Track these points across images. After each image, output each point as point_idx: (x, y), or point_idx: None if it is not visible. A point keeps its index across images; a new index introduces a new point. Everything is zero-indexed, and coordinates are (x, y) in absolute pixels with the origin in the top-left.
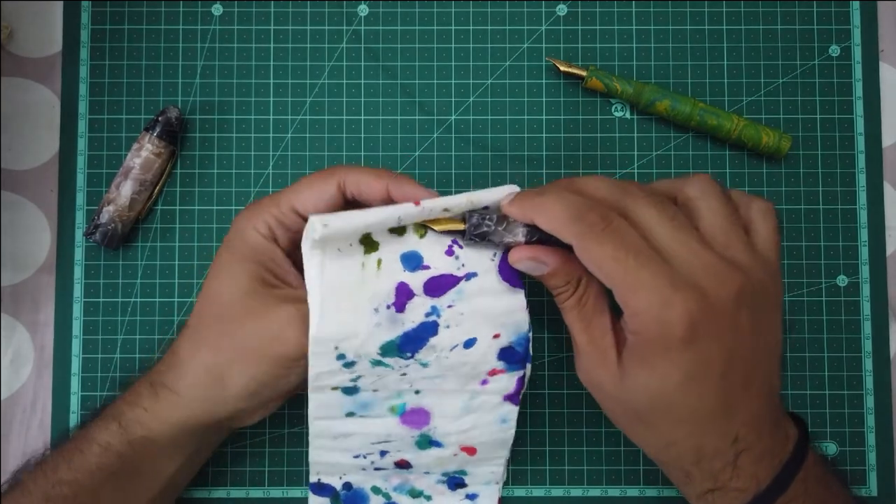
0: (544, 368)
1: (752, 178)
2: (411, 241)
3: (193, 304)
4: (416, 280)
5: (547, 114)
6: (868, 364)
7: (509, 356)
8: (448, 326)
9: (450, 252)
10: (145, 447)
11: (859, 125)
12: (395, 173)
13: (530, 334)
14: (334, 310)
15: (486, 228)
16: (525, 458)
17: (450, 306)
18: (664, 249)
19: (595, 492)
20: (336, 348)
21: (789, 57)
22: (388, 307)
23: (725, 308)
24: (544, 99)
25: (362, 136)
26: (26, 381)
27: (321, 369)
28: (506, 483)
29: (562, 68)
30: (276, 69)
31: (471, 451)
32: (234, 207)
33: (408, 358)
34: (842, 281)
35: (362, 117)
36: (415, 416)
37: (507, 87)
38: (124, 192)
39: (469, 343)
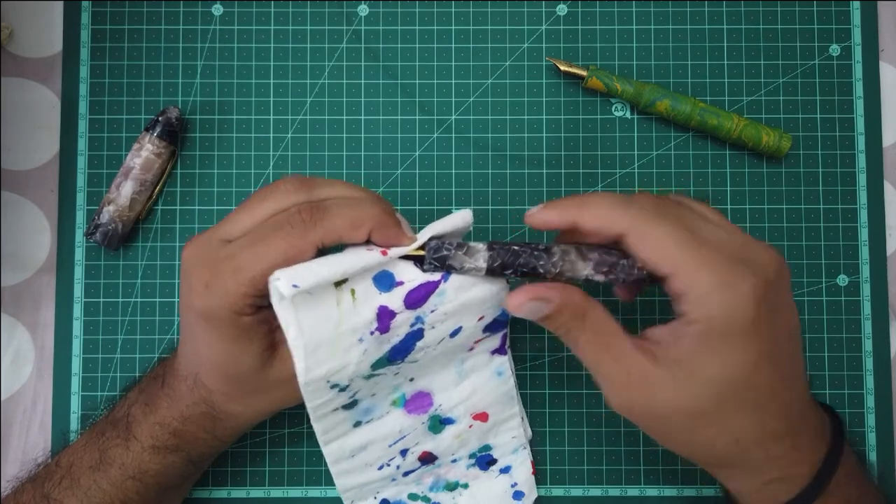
0: (544, 368)
1: (753, 178)
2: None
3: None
4: (395, 298)
5: (547, 114)
6: (868, 364)
7: (493, 327)
8: (433, 327)
9: (417, 264)
10: (206, 459)
11: (859, 125)
12: (378, 210)
13: None
14: (319, 359)
15: (445, 252)
16: None
17: (433, 311)
18: (704, 235)
19: (595, 491)
20: (328, 381)
21: (789, 57)
22: (373, 333)
23: (775, 285)
24: (544, 99)
25: (362, 136)
26: (27, 381)
27: (318, 401)
28: None
29: (562, 68)
30: (276, 69)
31: (482, 416)
32: (234, 208)
33: (398, 363)
34: (842, 280)
35: (362, 117)
36: (417, 401)
37: (507, 87)
38: (124, 192)
39: (455, 333)
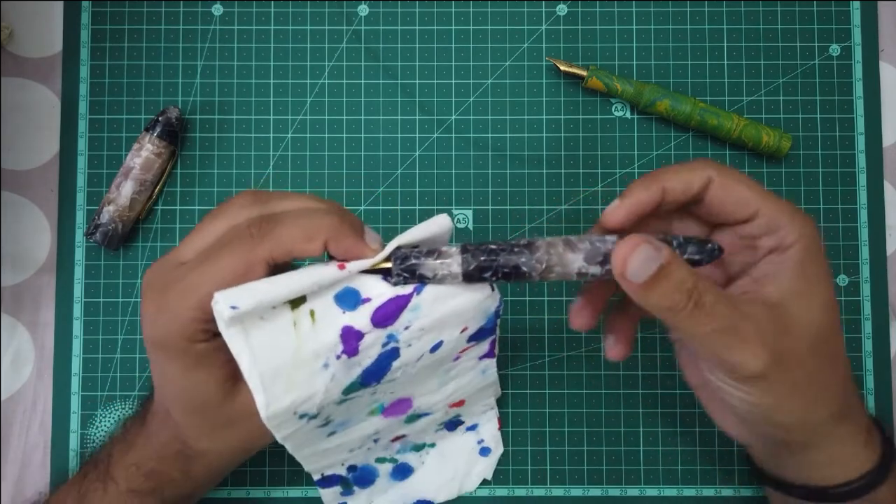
0: (544, 368)
1: (753, 178)
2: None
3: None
4: (361, 317)
5: (547, 114)
6: (868, 364)
7: (479, 336)
8: (410, 345)
9: (387, 278)
10: (181, 501)
11: (859, 125)
12: (334, 220)
13: (500, 306)
14: (280, 389)
15: (414, 261)
16: (525, 458)
17: (407, 327)
18: None
19: (595, 491)
20: (295, 413)
21: (789, 57)
22: (339, 357)
23: None
24: (544, 99)
25: (362, 136)
26: (27, 381)
27: (287, 432)
28: (506, 483)
29: (562, 68)
30: (276, 69)
31: (459, 403)
32: None
33: (374, 386)
34: (842, 280)
35: (362, 117)
36: (396, 407)
37: (507, 86)
38: (124, 192)
39: (435, 347)
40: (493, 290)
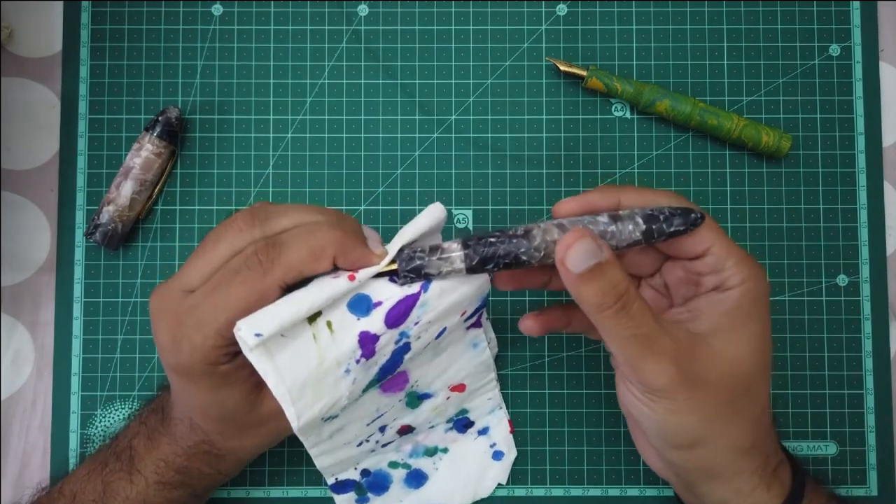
0: (544, 368)
1: (752, 178)
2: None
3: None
4: (375, 321)
5: (547, 114)
6: (868, 363)
7: (473, 314)
8: (419, 338)
9: (394, 278)
10: (209, 492)
11: (859, 125)
12: (337, 234)
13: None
14: (309, 401)
15: (419, 261)
16: (525, 458)
17: (416, 323)
18: None
19: (595, 491)
20: (322, 418)
21: (789, 57)
22: (358, 361)
23: None
24: (544, 99)
25: (362, 136)
26: (27, 380)
27: (311, 434)
28: (507, 483)
29: (562, 68)
30: (276, 69)
31: (460, 387)
32: (234, 207)
33: (388, 378)
34: (842, 280)
35: (362, 117)
36: (393, 382)
37: (507, 87)
38: (124, 192)
39: (440, 334)
40: (489, 274)
